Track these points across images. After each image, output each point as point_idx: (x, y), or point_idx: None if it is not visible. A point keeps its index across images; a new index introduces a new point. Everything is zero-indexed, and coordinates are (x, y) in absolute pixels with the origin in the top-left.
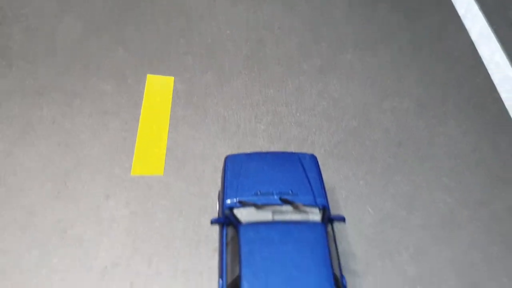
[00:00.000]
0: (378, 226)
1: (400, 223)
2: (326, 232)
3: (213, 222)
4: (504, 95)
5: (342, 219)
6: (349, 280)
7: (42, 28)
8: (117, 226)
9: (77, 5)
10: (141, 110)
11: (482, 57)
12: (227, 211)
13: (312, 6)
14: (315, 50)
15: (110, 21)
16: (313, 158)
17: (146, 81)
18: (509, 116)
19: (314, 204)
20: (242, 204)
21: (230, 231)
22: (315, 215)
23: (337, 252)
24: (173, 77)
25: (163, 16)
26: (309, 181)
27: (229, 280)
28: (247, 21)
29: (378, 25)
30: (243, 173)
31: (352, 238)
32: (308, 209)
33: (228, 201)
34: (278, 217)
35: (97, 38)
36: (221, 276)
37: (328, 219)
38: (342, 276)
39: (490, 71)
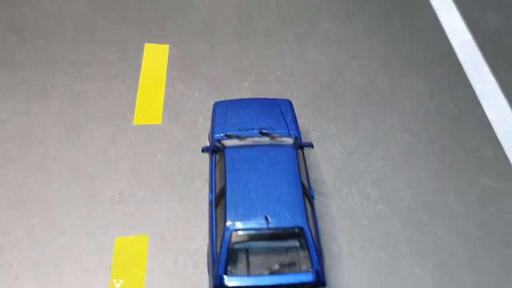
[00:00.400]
0: (346, 159)
1: (364, 157)
2: (297, 153)
3: (204, 150)
4: (460, 55)
5: (310, 145)
6: (320, 200)
7: (52, 8)
8: (123, 164)
9: None
10: (141, 73)
11: (442, 23)
12: (215, 143)
13: None
14: (295, 21)
15: (114, 1)
16: (289, 102)
17: (145, 49)
18: (464, 71)
19: (288, 135)
20: (228, 136)
21: (217, 157)
22: (288, 143)
23: (307, 172)
24: (168, 45)
25: None
26: (285, 120)
27: (217, 192)
28: (238, 0)
29: (357, 24)
30: (229, 115)
31: (323, 169)
32: (283, 139)
33: (216, 135)
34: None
35: (102, 15)
36: (211, 191)
37: (299, 145)
38: (310, 188)
39: (449, 36)
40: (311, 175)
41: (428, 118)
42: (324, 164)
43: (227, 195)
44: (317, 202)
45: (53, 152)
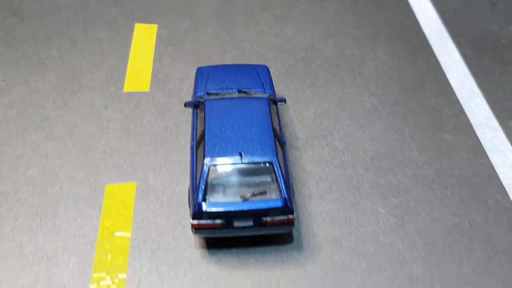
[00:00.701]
0: (317, 119)
1: (333, 117)
2: (270, 105)
3: (186, 104)
4: (427, 31)
5: (283, 100)
6: (293, 153)
7: None
8: (113, 125)
9: None
10: (131, 48)
11: (411, 5)
12: (197, 99)
13: None
14: (274, 4)
15: (104, 3)
16: (266, 67)
17: (135, 29)
18: (430, 45)
19: (263, 92)
20: (208, 94)
21: (198, 111)
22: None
23: (279, 123)
24: (156, 25)
25: None
26: (261, 81)
27: (198, 137)
28: None
29: (329, 13)
30: (210, 78)
31: (297, 127)
32: (258, 95)
33: (198, 94)
34: None
35: (101, 3)
36: (192, 139)
37: (273, 100)
38: (282, 135)
39: (417, 15)
40: (287, 133)
41: (393, 85)
42: (298, 123)
43: (206, 136)
44: (291, 154)
45: (50, 115)
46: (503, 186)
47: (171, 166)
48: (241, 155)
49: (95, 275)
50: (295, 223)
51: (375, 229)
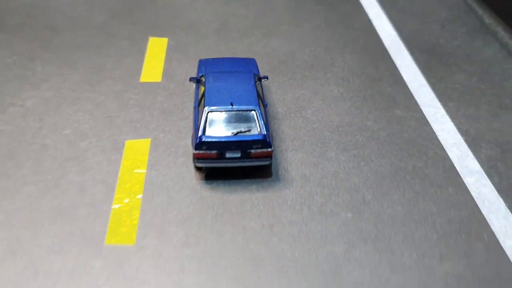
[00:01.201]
0: (294, 100)
1: (307, 99)
2: (255, 78)
3: (190, 79)
4: (386, 44)
5: (266, 77)
6: (274, 122)
7: (79, 15)
8: (132, 103)
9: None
10: (146, 54)
11: (375, 26)
12: (199, 77)
13: (261, 1)
14: (263, 24)
15: (125, 10)
16: (253, 59)
17: (149, 41)
18: (389, 53)
19: (250, 72)
20: (207, 73)
21: (200, 85)
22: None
23: (262, 92)
24: (167, 38)
25: (160, 5)
26: (249, 67)
27: (199, 99)
28: (217, 11)
29: (304, 12)
30: (209, 64)
31: (278, 106)
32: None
33: (199, 74)
34: None
35: (117, 19)
36: (195, 101)
37: (258, 77)
38: (264, 100)
39: (380, 33)
40: (270, 109)
41: (357, 79)
42: (279, 102)
43: (206, 94)
44: (273, 123)
45: (80, 96)
46: (441, 144)
47: (177, 129)
48: (232, 104)
49: (117, 196)
50: (274, 163)
51: (337, 169)
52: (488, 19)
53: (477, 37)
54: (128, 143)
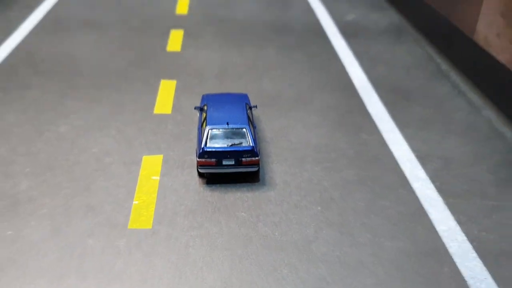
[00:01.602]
0: (280, 127)
1: (291, 126)
2: (246, 106)
3: (195, 108)
4: (356, 85)
5: (255, 106)
6: (263, 145)
7: (100, 63)
8: (146, 130)
9: (128, 47)
10: (158, 92)
11: (348, 72)
12: (202, 106)
13: (252, 46)
14: (258, 68)
15: (140, 59)
16: (246, 94)
17: (161, 82)
18: (358, 93)
19: (243, 102)
20: (208, 103)
21: (202, 112)
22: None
23: (252, 118)
24: (175, 80)
25: (170, 56)
26: (242, 99)
27: (202, 122)
28: (217, 61)
29: (290, 60)
30: (210, 97)
31: (267, 131)
32: None
33: (202, 104)
34: None
35: (134, 66)
36: (198, 124)
37: (249, 106)
38: (254, 123)
39: (351, 76)
40: (260, 134)
41: (332, 112)
42: (268, 129)
43: (207, 116)
44: (262, 144)
45: (104, 124)
46: (397, 160)
47: (184, 148)
48: (227, 124)
49: (137, 196)
50: (261, 171)
51: (311, 177)
52: (444, 65)
53: (434, 79)
54: (145, 157)
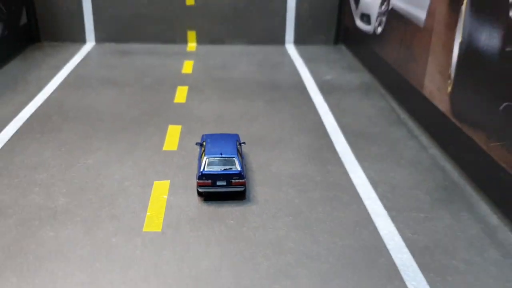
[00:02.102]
0: (264, 162)
1: (272, 160)
2: (236, 142)
3: (196, 144)
4: (329, 130)
5: (244, 143)
6: (249, 174)
7: (118, 112)
8: (156, 164)
9: (142, 100)
10: (166, 135)
11: (322, 119)
12: (202, 142)
13: (245, 99)
14: (247, 117)
15: (151, 111)
16: (237, 134)
17: (168, 127)
18: (330, 136)
19: (234, 139)
20: (206, 140)
21: (202, 147)
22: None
23: (241, 151)
24: (181, 125)
25: (176, 107)
26: (234, 137)
27: (201, 153)
28: (215, 110)
29: (275, 111)
30: (208, 136)
31: (253, 164)
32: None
33: (202, 140)
34: None
35: (146, 115)
36: (199, 155)
37: (238, 142)
38: (242, 154)
39: (324, 122)
40: (247, 165)
41: (305, 149)
42: (254, 162)
43: (206, 149)
44: (249, 173)
45: (123, 158)
46: (354, 185)
47: (187, 175)
48: (221, 154)
49: (149, 209)
50: (247, 191)
51: (286, 196)
52: (403, 115)
53: (393, 126)
54: (156, 182)
